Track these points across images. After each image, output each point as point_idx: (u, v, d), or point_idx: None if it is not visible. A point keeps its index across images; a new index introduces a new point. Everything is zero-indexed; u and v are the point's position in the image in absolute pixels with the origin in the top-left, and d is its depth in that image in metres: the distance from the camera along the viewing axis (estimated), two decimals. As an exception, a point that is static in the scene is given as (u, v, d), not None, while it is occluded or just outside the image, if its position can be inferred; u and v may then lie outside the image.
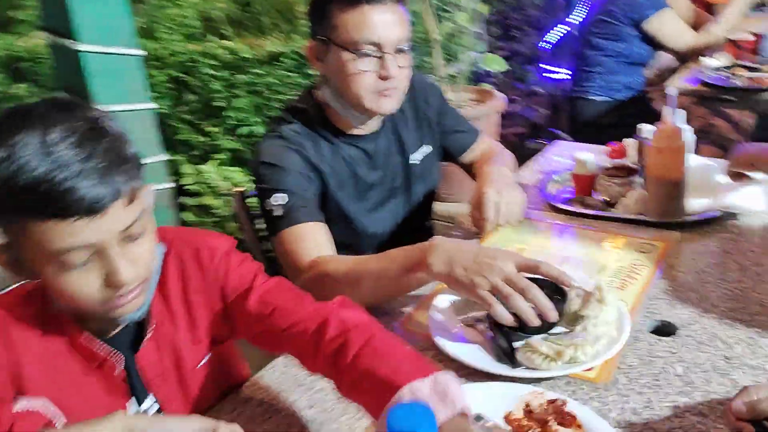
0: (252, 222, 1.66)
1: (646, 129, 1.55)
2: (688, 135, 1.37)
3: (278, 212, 1.28)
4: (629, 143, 1.68)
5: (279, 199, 1.28)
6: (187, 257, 0.92)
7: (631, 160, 1.63)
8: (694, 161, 1.43)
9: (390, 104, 1.36)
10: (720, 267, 1.26)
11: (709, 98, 2.58)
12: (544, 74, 3.61)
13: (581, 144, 1.94)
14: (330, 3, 1.30)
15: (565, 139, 3.05)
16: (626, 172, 1.52)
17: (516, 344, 1.05)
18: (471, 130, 1.65)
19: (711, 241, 1.35)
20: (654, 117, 2.80)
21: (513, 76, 4.03)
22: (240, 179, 3.49)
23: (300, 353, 0.91)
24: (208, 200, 3.55)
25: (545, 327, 1.05)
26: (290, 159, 1.33)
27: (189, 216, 3.44)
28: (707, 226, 1.39)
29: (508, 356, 1.04)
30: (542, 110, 3.80)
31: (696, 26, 2.78)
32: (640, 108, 2.82)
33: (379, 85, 1.32)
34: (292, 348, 0.92)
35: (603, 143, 1.87)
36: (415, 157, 1.53)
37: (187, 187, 3.47)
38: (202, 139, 3.65)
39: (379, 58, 1.30)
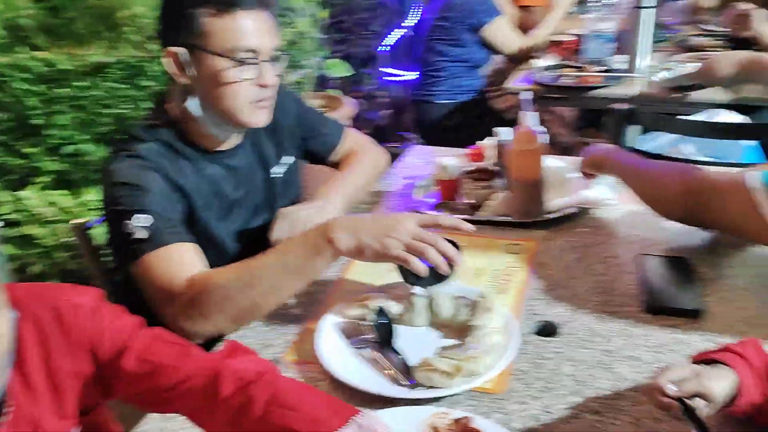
0: (96, 254, 1.50)
1: (503, 131, 1.60)
2: (543, 136, 1.43)
3: (141, 234, 1.15)
4: (487, 145, 1.72)
5: (141, 221, 1.15)
6: (46, 320, 0.78)
7: (489, 161, 1.67)
8: (549, 162, 1.50)
9: (265, 116, 1.29)
10: (584, 261, 1.32)
11: (541, 97, 2.76)
12: (385, 77, 3.66)
13: (438, 148, 1.97)
14: (197, 8, 1.19)
15: (413, 142, 3.12)
16: (489, 174, 1.56)
17: (412, 363, 1.03)
18: (335, 127, 1.61)
19: (572, 237, 1.41)
20: (493, 116, 2.95)
21: (352, 79, 4.05)
22: (68, 204, 3.16)
23: (192, 412, 0.82)
24: (30, 230, 3.18)
25: (451, 275, 1.12)
26: (150, 178, 1.21)
27: (10, 249, 3.06)
28: (567, 222, 1.46)
29: (404, 373, 1.01)
30: (384, 113, 3.85)
31: (520, 29, 2.96)
32: (481, 109, 2.95)
33: (257, 95, 1.24)
34: (182, 407, 0.82)
35: (449, 144, 1.92)
36: (277, 171, 1.47)
37: (4, 216, 3.08)
38: (19, 161, 3.26)
39: (256, 66, 1.22)
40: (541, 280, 1.27)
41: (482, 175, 1.56)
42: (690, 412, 0.80)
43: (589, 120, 3.49)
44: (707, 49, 2.71)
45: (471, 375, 0.99)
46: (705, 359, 0.88)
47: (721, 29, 2.82)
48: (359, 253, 1.09)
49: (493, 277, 1.28)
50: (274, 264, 1.11)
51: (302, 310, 1.23)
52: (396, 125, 3.58)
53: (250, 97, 1.24)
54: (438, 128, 2.90)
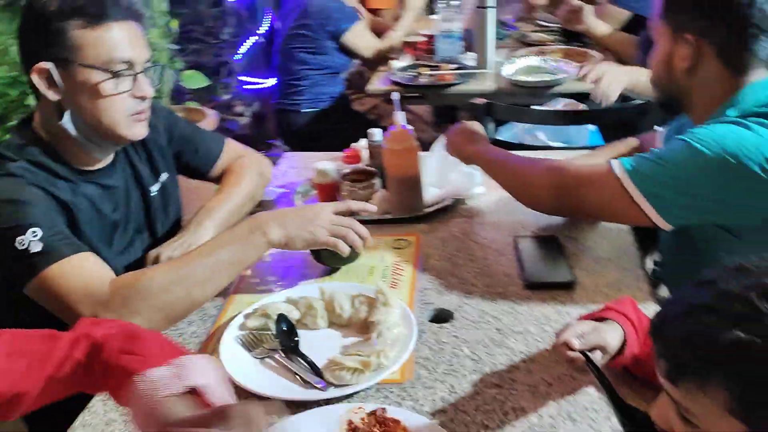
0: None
1: (376, 132, 1.66)
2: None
3: (36, 248, 1.10)
4: (361, 146, 1.77)
5: (33, 235, 1.11)
6: None
7: (365, 162, 1.72)
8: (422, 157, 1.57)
9: (143, 129, 1.26)
10: (465, 249, 1.40)
11: (401, 97, 2.86)
12: (244, 86, 3.62)
13: (310, 153, 1.99)
14: (65, 21, 1.13)
15: (280, 150, 3.11)
16: (366, 175, 1.61)
17: (320, 365, 1.05)
18: (213, 140, 1.58)
19: (451, 227, 1.50)
20: (356, 118, 3.02)
21: (207, 90, 3.96)
22: None
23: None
24: None
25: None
26: (31, 192, 1.15)
27: None
28: (444, 214, 1.55)
29: (314, 376, 1.03)
30: (244, 122, 3.80)
31: (373, 32, 3.05)
32: (344, 113, 3.01)
33: (135, 107, 1.22)
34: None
35: (316, 150, 1.96)
36: (154, 189, 1.43)
37: None
38: None
39: (132, 77, 1.20)
40: (429, 270, 1.33)
41: (360, 176, 1.61)
42: (592, 363, 0.90)
43: (444, 116, 3.66)
44: (546, 43, 2.94)
45: (378, 368, 1.03)
46: (594, 318, 0.98)
47: (555, 24, 3.06)
48: (289, 243, 1.22)
49: (384, 274, 1.33)
50: (207, 259, 1.16)
51: (197, 328, 1.21)
52: (258, 134, 3.55)
53: (128, 110, 1.22)
54: (304, 136, 2.92)
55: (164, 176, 1.46)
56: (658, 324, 0.69)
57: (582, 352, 0.91)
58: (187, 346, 1.16)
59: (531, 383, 1.02)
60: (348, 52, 2.94)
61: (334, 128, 2.92)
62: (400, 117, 1.49)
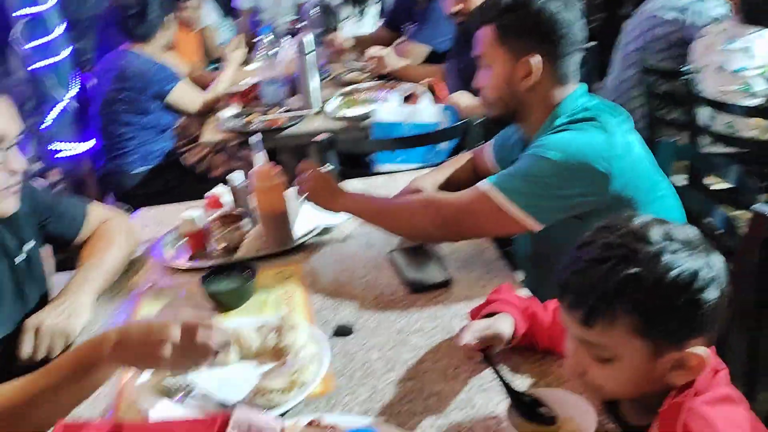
0: None
1: (235, 176, 1.71)
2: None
3: None
4: (221, 192, 1.80)
5: None
6: None
7: (227, 206, 1.76)
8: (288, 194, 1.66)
9: (16, 202, 1.22)
10: (347, 270, 1.51)
11: (230, 145, 2.92)
12: (55, 155, 3.42)
13: (162, 208, 1.97)
14: None
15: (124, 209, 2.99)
16: (234, 218, 1.65)
17: (242, 397, 1.09)
18: (75, 207, 1.55)
19: (328, 254, 1.59)
20: (190, 172, 3.01)
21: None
22: None
23: None
24: None
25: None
26: None
27: None
28: (317, 242, 1.64)
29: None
30: (62, 190, 3.57)
31: (195, 82, 3.08)
32: (177, 168, 2.98)
33: (8, 181, 1.20)
34: None
35: (151, 205, 1.98)
36: (21, 258, 1.37)
37: None
38: None
39: (3, 151, 1.17)
40: (319, 292, 1.42)
41: (228, 219, 1.65)
42: (488, 358, 1.06)
43: (269, 157, 3.75)
44: (360, 81, 3.16)
45: (303, 385, 1.09)
46: (486, 314, 1.13)
47: (363, 65, 3.30)
48: (138, 370, 1.12)
49: (277, 303, 1.39)
50: (47, 393, 1.03)
51: (103, 387, 1.18)
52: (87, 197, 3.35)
53: (1, 185, 1.17)
54: (138, 196, 2.84)
55: (30, 244, 1.40)
56: (563, 284, 0.85)
57: (480, 350, 1.06)
58: (95, 409, 1.13)
59: (440, 369, 1.14)
60: (175, 110, 2.94)
61: (170, 185, 2.88)
62: (261, 157, 1.56)
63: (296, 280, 1.48)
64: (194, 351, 1.04)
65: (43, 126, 3.47)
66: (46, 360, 1.09)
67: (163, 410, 1.08)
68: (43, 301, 1.41)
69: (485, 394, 1.07)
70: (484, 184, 1.36)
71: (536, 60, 1.36)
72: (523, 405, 0.97)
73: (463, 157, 1.77)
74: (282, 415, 1.05)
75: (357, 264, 1.52)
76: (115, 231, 1.57)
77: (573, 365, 0.89)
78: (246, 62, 3.37)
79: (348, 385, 1.13)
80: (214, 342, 1.05)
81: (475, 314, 1.15)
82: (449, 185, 1.65)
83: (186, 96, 2.91)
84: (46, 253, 1.58)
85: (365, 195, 1.62)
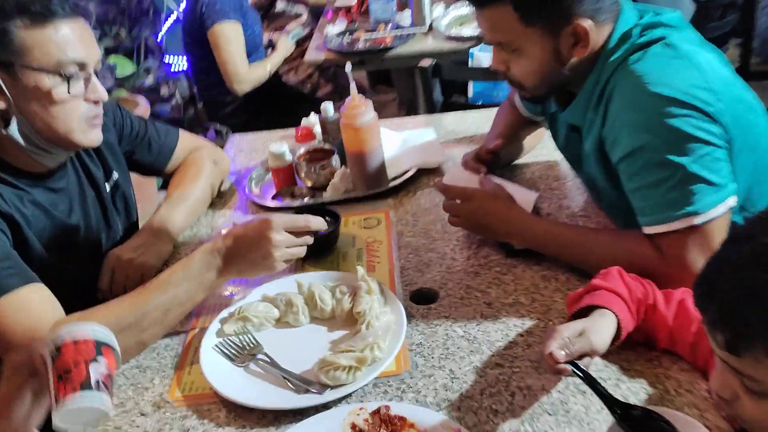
0: None
1: (329, 108, 1.57)
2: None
3: None
4: (312, 122, 1.68)
5: None
6: None
7: (319, 139, 1.64)
8: (383, 130, 1.50)
9: (99, 134, 1.18)
10: (439, 221, 1.35)
11: (336, 65, 2.77)
12: (167, 69, 3.42)
13: (259, 134, 1.89)
14: (8, 21, 1.02)
15: (219, 132, 2.97)
16: (323, 154, 1.53)
17: (308, 367, 0.99)
18: (166, 135, 1.49)
19: (421, 200, 1.44)
20: (291, 93, 2.91)
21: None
22: None
23: None
24: None
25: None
26: None
27: None
28: (411, 186, 1.49)
29: (305, 380, 0.97)
30: (174, 106, 3.60)
31: None
32: (278, 87, 2.88)
33: (90, 112, 1.13)
34: None
35: (255, 130, 1.88)
36: (108, 187, 1.34)
37: None
38: None
39: (85, 80, 1.10)
40: (405, 248, 1.28)
41: (317, 155, 1.53)
42: (582, 373, 0.82)
43: (377, 78, 3.58)
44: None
45: (374, 362, 0.98)
46: (582, 308, 0.93)
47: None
48: (248, 277, 1.12)
49: (359, 256, 1.27)
50: (160, 298, 1.04)
51: (170, 339, 1.12)
52: (190, 119, 3.37)
53: (83, 115, 1.12)
54: (239, 115, 2.78)
55: (116, 175, 1.37)
56: (706, 293, 0.64)
57: (570, 362, 0.83)
58: (162, 360, 1.08)
59: (532, 358, 0.98)
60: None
61: (270, 105, 2.79)
62: (355, 90, 1.40)
63: (382, 230, 1.34)
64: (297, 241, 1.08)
65: (159, 38, 3.47)
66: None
67: (225, 372, 1.01)
68: (130, 231, 1.37)
69: (584, 398, 0.90)
70: (680, 224, 0.99)
71: (586, 24, 1.04)
72: (633, 420, 0.78)
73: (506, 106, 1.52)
74: (348, 396, 0.95)
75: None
76: (204, 162, 1.51)
77: (719, 386, 0.68)
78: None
79: (425, 366, 1.00)
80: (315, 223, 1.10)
81: (572, 302, 0.97)
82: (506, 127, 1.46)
83: None
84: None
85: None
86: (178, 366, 1.06)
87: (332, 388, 0.95)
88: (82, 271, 1.24)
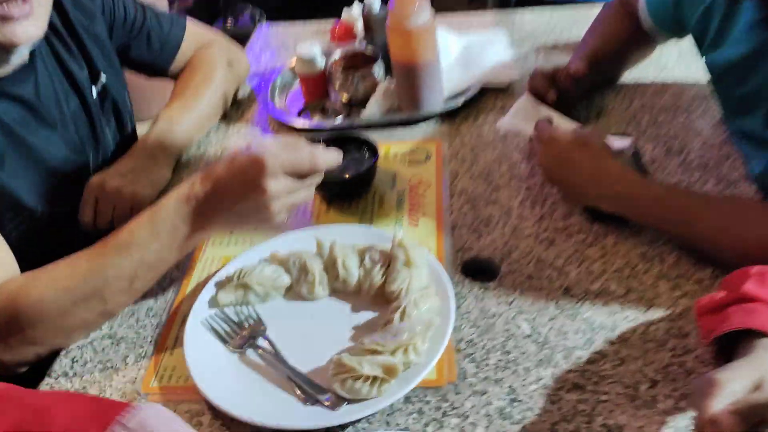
0: None
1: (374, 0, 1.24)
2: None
3: None
4: (354, 16, 1.35)
5: None
6: None
7: (360, 38, 1.32)
8: (441, 35, 1.17)
9: (26, 28, 0.87)
10: (506, 161, 1.05)
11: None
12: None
13: (290, 25, 1.57)
14: None
15: (251, 18, 2.63)
16: (365, 60, 1.21)
17: (325, 361, 0.74)
18: (170, 25, 1.21)
19: (484, 129, 1.13)
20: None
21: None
22: None
23: None
24: None
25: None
26: None
27: None
28: (473, 110, 1.17)
29: (314, 386, 0.73)
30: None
31: None
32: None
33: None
34: None
35: (291, 17, 1.55)
36: (94, 93, 1.08)
37: None
38: None
39: None
40: (459, 197, 0.99)
41: (356, 61, 1.22)
42: None
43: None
44: None
45: (408, 368, 0.73)
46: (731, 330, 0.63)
47: None
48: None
49: (399, 204, 0.99)
50: (124, 265, 0.77)
51: (154, 301, 0.89)
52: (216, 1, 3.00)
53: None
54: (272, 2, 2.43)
55: (104, 77, 1.10)
56: None
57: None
58: (141, 331, 0.85)
59: (628, 381, 0.71)
60: None
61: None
62: (405, -22, 1.07)
63: (431, 168, 1.05)
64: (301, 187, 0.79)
65: None
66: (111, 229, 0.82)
67: (212, 363, 0.78)
68: (125, 147, 1.12)
69: (699, 455, 0.64)
70: None
71: None
72: None
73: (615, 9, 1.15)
74: (367, 417, 0.71)
75: (523, 154, 1.06)
76: (216, 62, 1.22)
77: None
78: None
79: (476, 377, 0.74)
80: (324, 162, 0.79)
81: (708, 313, 0.67)
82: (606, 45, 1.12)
83: None
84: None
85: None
86: (158, 341, 0.83)
87: (349, 402, 0.71)
88: (65, 207, 1.01)
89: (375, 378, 0.70)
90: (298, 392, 0.73)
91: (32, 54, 0.97)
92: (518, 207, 0.96)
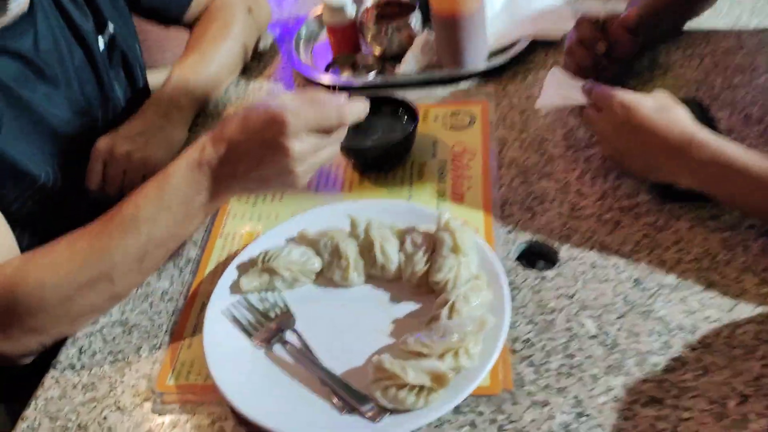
0: None
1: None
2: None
3: None
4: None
5: None
6: None
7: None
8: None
9: None
10: (561, 124, 0.94)
11: None
12: None
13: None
14: None
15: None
16: (399, 9, 1.09)
17: (364, 360, 0.66)
18: None
19: (533, 87, 1.01)
20: None
21: None
22: None
23: None
24: None
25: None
26: None
27: None
28: (523, 66, 1.05)
29: (351, 392, 0.64)
30: None
31: None
32: None
33: None
34: None
35: None
36: (101, 45, 0.97)
37: None
38: None
39: None
40: (511, 168, 0.88)
41: (391, 10, 1.09)
42: None
43: None
44: None
45: (458, 372, 0.64)
46: None
47: None
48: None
49: (441, 175, 0.88)
50: (131, 243, 0.68)
51: (169, 283, 0.80)
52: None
53: None
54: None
55: (112, 27, 0.99)
56: None
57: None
58: (155, 318, 0.77)
59: (713, 395, 0.62)
60: None
61: None
62: None
63: (476, 133, 0.94)
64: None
65: None
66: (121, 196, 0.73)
67: (235, 360, 0.69)
68: (137, 103, 1.01)
69: (802, 491, 0.55)
70: None
71: None
72: None
73: None
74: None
75: (579, 121, 0.94)
76: (235, 9, 1.11)
77: None
78: None
79: (534, 384, 0.65)
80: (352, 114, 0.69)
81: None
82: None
83: None
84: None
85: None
86: (175, 331, 0.75)
87: (392, 413, 0.62)
88: (71, 174, 0.91)
89: (422, 388, 0.61)
90: (335, 399, 0.64)
91: (32, 4, 0.86)
92: (576, 181, 0.85)
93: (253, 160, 0.66)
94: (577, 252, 0.76)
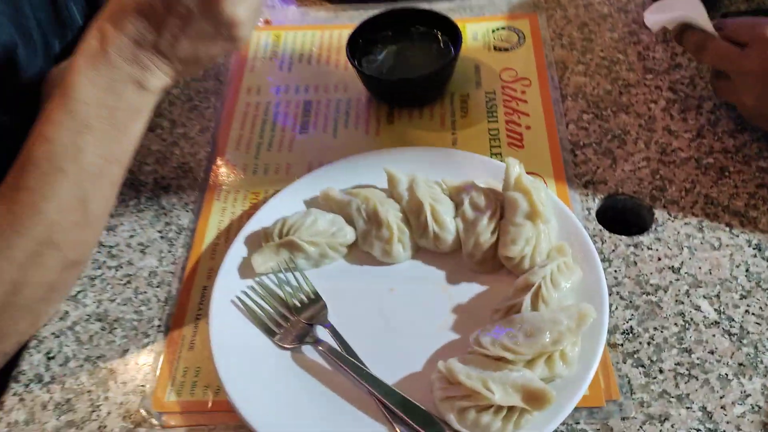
0: None
1: None
2: None
3: None
4: None
5: None
6: None
7: None
8: None
9: None
10: (627, 40, 0.76)
11: None
12: None
13: None
14: None
15: None
16: None
17: (421, 366, 0.50)
18: None
19: (588, -4, 0.82)
20: None
21: None
22: None
23: None
24: None
25: None
26: None
27: None
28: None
29: (408, 407, 0.49)
30: None
31: None
32: None
33: None
34: None
35: None
36: None
37: None
38: None
39: None
40: (575, 99, 0.71)
41: None
42: None
43: None
44: None
45: (552, 380, 0.49)
46: None
47: None
48: (195, 69, 0.54)
49: (491, 113, 0.71)
50: (61, 185, 0.49)
51: (155, 259, 0.63)
52: None
53: None
54: None
55: None
56: None
57: None
58: (144, 304, 0.60)
59: None
60: None
61: None
62: None
63: (527, 54, 0.76)
64: None
65: None
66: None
67: (253, 366, 0.53)
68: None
69: None
70: None
71: None
72: None
73: None
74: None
75: (657, 35, 0.76)
76: None
77: None
78: None
79: (645, 390, 0.50)
80: None
81: None
82: None
83: None
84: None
85: None
86: (171, 325, 0.58)
87: (469, 438, 0.47)
88: (20, 115, 0.71)
89: (512, 410, 0.46)
90: (395, 426, 0.49)
91: None
92: (662, 115, 0.68)
93: (177, 20, 0.48)
94: (675, 210, 0.60)
